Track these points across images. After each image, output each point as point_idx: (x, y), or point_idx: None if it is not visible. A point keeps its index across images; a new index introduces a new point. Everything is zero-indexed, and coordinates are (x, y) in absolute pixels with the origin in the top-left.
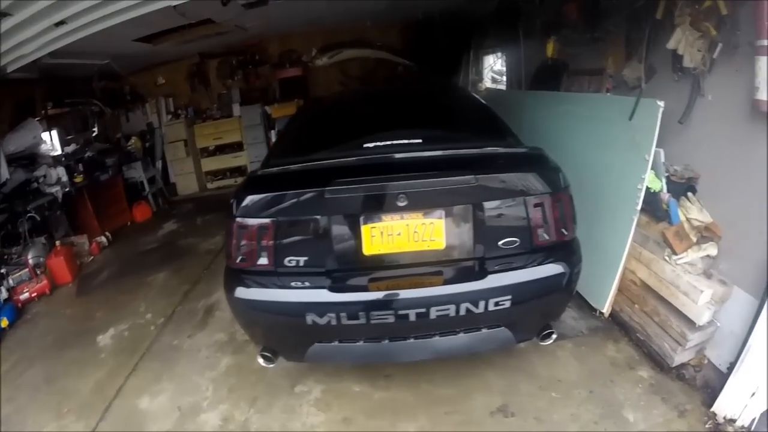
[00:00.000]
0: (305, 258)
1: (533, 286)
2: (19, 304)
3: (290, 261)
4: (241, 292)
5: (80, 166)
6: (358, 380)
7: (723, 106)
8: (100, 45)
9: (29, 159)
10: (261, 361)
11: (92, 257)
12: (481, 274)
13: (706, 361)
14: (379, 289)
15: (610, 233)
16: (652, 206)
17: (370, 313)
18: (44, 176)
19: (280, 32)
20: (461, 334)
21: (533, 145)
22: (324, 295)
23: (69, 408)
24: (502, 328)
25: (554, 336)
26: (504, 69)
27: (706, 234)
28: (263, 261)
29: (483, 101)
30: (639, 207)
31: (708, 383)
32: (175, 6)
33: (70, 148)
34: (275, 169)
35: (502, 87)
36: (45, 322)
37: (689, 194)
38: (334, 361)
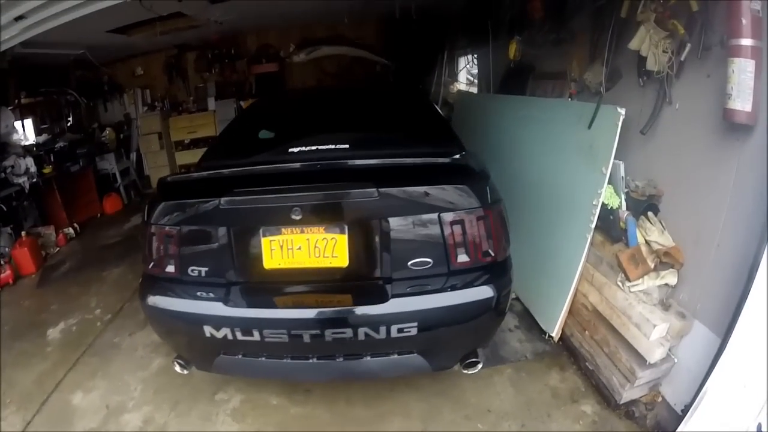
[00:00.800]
0: (206, 269)
1: (447, 313)
2: None
3: (193, 270)
4: (151, 300)
5: (50, 157)
6: (278, 393)
7: (691, 115)
8: (73, 35)
9: (1, 147)
10: (176, 367)
11: (58, 248)
12: (382, 297)
13: (659, 399)
14: (273, 306)
15: (564, 251)
16: (608, 225)
17: (264, 330)
18: (12, 166)
19: (257, 27)
20: (367, 358)
21: (487, 153)
22: (219, 309)
23: (11, 399)
24: (414, 354)
25: (479, 365)
26: (476, 70)
27: (665, 260)
28: (170, 269)
29: (435, 107)
30: (593, 225)
31: (660, 424)
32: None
33: (41, 138)
34: (190, 174)
35: (475, 89)
36: (4, 312)
37: (650, 213)
38: (240, 374)
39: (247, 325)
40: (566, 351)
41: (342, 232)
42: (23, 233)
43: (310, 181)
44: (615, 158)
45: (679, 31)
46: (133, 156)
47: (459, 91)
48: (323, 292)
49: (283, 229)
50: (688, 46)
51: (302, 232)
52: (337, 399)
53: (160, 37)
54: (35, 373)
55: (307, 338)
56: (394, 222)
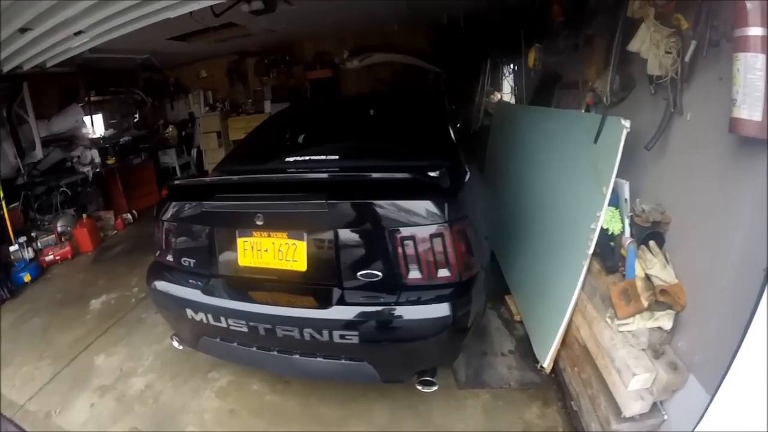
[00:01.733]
0: (194, 260)
1: (392, 327)
2: (44, 265)
3: (185, 261)
4: (153, 283)
5: (114, 150)
6: (261, 380)
7: (703, 127)
8: (136, 42)
9: (69, 140)
10: (174, 342)
11: (116, 231)
12: (326, 303)
13: None
14: (237, 299)
15: (562, 276)
16: (606, 252)
17: (228, 319)
18: (79, 156)
19: (313, 34)
20: (320, 359)
21: (512, 166)
22: (197, 295)
23: (48, 354)
24: (364, 363)
25: (432, 388)
26: (513, 80)
27: (662, 299)
28: (169, 258)
29: (446, 118)
30: (591, 251)
31: None
32: (191, 13)
33: (107, 133)
34: (193, 179)
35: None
36: (59, 282)
37: (651, 243)
38: (219, 356)
39: (216, 312)
40: (556, 386)
41: (301, 239)
42: (84, 215)
43: (279, 190)
44: (622, 177)
45: (683, 25)
46: (194, 152)
47: (499, 101)
48: (282, 291)
49: (253, 232)
50: (693, 44)
51: (269, 236)
52: (311, 395)
53: (219, 44)
54: (73, 336)
55: (261, 331)
56: (346, 233)
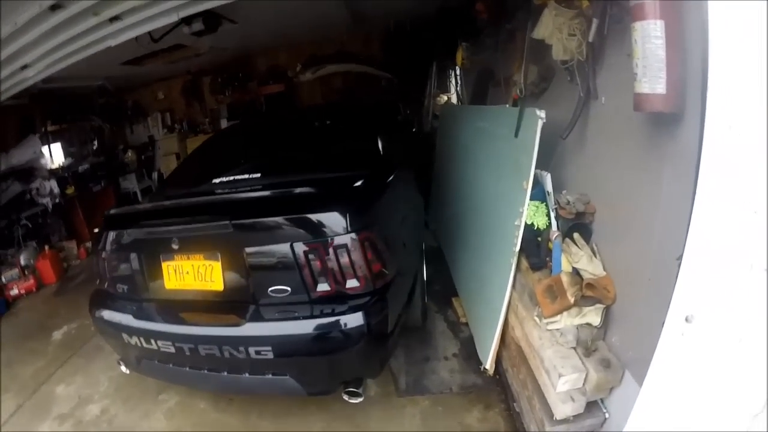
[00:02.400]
0: (127, 286)
1: (304, 340)
2: (10, 299)
3: (119, 288)
4: (94, 310)
5: (73, 179)
6: (207, 399)
7: (617, 110)
8: (90, 69)
9: (28, 172)
10: (121, 367)
11: (79, 261)
12: (239, 321)
13: None
14: (163, 321)
15: (495, 275)
16: (530, 248)
17: (158, 341)
18: (38, 188)
19: (265, 48)
20: (246, 375)
21: (453, 167)
22: (129, 320)
23: (12, 387)
24: (287, 377)
25: (358, 399)
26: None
27: (589, 293)
28: (107, 286)
29: (379, 127)
30: (517, 248)
31: None
32: (136, 38)
33: (66, 162)
34: (126, 208)
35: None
36: (24, 315)
37: (575, 235)
38: (159, 378)
39: (146, 335)
40: (500, 387)
41: (216, 259)
42: (46, 247)
43: (192, 214)
44: (546, 170)
45: (584, 5)
46: (155, 175)
47: (445, 102)
48: (204, 311)
49: (174, 256)
50: (595, 22)
51: (188, 258)
52: (252, 411)
53: (173, 65)
54: (34, 368)
55: (187, 351)
56: (253, 251)
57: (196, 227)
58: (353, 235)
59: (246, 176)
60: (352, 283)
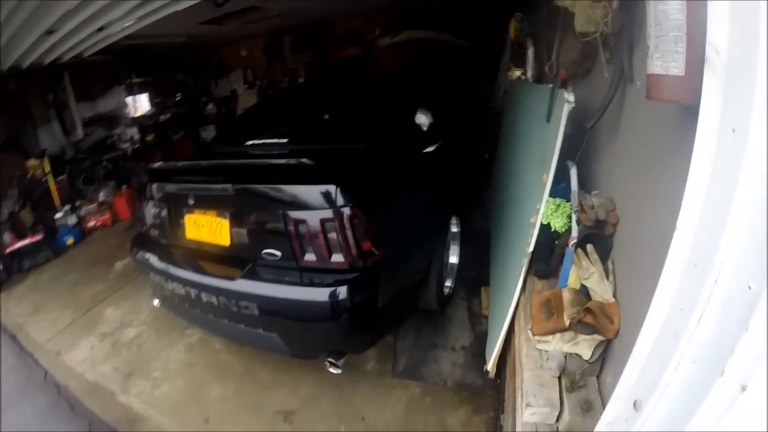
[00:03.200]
0: (158, 232)
1: (285, 304)
2: (86, 230)
3: (153, 232)
4: (133, 250)
5: (153, 127)
6: (222, 342)
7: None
8: (170, 28)
9: (112, 119)
10: (155, 301)
11: None
12: (233, 276)
13: None
14: (178, 266)
15: (510, 274)
16: (539, 252)
17: (173, 282)
18: (120, 134)
19: (342, 12)
20: (242, 326)
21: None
22: (155, 261)
23: (71, 305)
24: (275, 335)
25: (336, 370)
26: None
27: (587, 320)
28: (145, 230)
29: (422, 105)
30: (530, 249)
31: None
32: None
33: (148, 112)
34: (166, 163)
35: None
36: (96, 245)
37: (589, 247)
38: (178, 315)
39: (165, 276)
40: (496, 393)
41: (225, 217)
42: (124, 187)
43: (208, 175)
44: (577, 164)
45: None
46: None
47: (517, 78)
48: (211, 262)
49: (194, 210)
50: None
51: (204, 214)
52: (256, 359)
53: (252, 26)
54: (94, 291)
55: (193, 296)
56: (254, 214)
57: (205, 187)
58: (341, 210)
59: (275, 141)
60: (337, 257)
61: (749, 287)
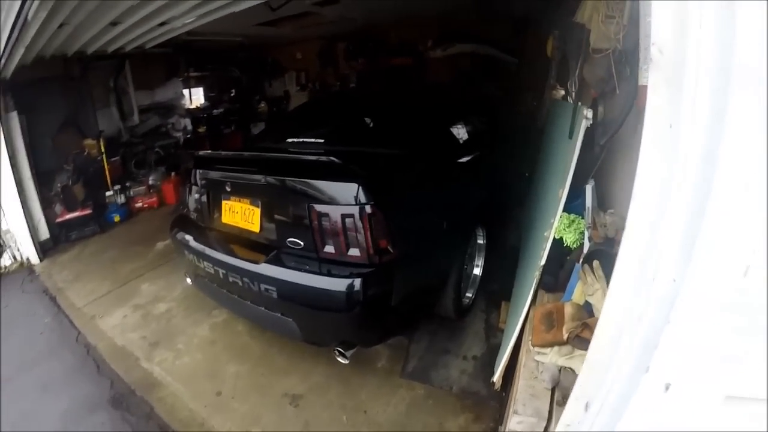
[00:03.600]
0: (197, 214)
1: (302, 290)
2: (134, 210)
3: (192, 214)
4: (173, 231)
5: (205, 120)
6: (245, 325)
7: None
8: (228, 27)
9: (168, 108)
10: (187, 279)
11: None
12: (258, 260)
13: None
14: (211, 247)
15: (524, 287)
16: (550, 266)
17: (205, 262)
18: (173, 123)
19: (394, 22)
20: (262, 309)
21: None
22: (191, 241)
23: (110, 277)
24: (291, 320)
25: (344, 360)
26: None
27: (585, 335)
28: (186, 212)
29: (446, 117)
30: (543, 262)
31: None
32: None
33: (202, 104)
34: (210, 152)
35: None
36: (140, 225)
37: (595, 263)
38: (206, 294)
39: (199, 256)
40: (499, 405)
41: (257, 205)
42: (173, 173)
43: (245, 165)
44: (589, 180)
45: None
46: None
47: (561, 97)
48: (239, 245)
49: (231, 197)
50: None
51: (239, 201)
52: (274, 345)
53: (306, 30)
54: (132, 266)
55: (221, 275)
56: (282, 205)
57: (241, 177)
58: (361, 207)
59: (312, 140)
60: (354, 251)
61: (674, 280)
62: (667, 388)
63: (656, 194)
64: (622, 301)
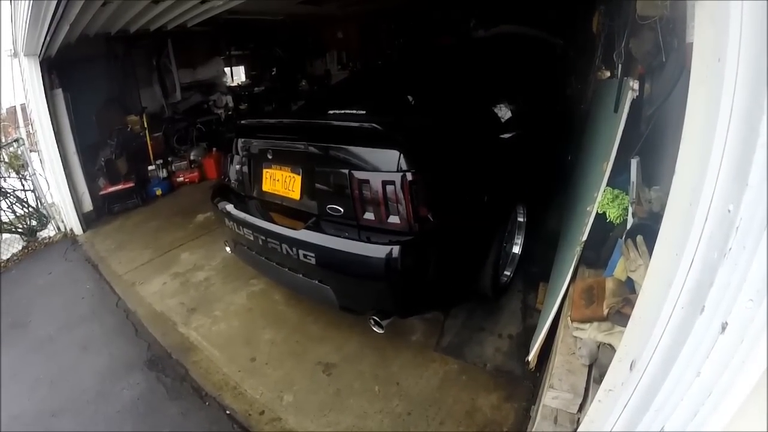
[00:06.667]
0: (238, 183)
1: (340, 257)
2: (175, 184)
3: (233, 183)
4: (215, 199)
5: (247, 97)
6: (282, 294)
7: None
8: (270, 6)
9: (209, 86)
10: (227, 248)
11: None
12: (298, 226)
13: None
14: (252, 215)
15: (564, 264)
16: (592, 241)
17: (245, 229)
18: (215, 100)
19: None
20: (300, 276)
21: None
22: (231, 209)
23: (151, 246)
24: (328, 288)
25: (379, 330)
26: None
27: (625, 311)
28: (227, 180)
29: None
30: (585, 237)
31: None
32: None
33: (244, 82)
34: (252, 120)
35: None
36: (181, 198)
37: (639, 239)
38: (246, 262)
39: (238, 223)
40: (533, 385)
41: (298, 173)
42: (214, 149)
43: (287, 133)
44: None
45: None
46: None
47: (607, 79)
48: (280, 213)
49: (272, 165)
50: None
51: (280, 169)
52: (311, 314)
53: (351, 8)
54: (173, 237)
55: (260, 242)
56: (323, 171)
57: (284, 144)
58: (403, 174)
59: (354, 111)
60: (393, 219)
61: (729, 210)
62: (723, 328)
63: (705, 129)
64: (670, 249)
